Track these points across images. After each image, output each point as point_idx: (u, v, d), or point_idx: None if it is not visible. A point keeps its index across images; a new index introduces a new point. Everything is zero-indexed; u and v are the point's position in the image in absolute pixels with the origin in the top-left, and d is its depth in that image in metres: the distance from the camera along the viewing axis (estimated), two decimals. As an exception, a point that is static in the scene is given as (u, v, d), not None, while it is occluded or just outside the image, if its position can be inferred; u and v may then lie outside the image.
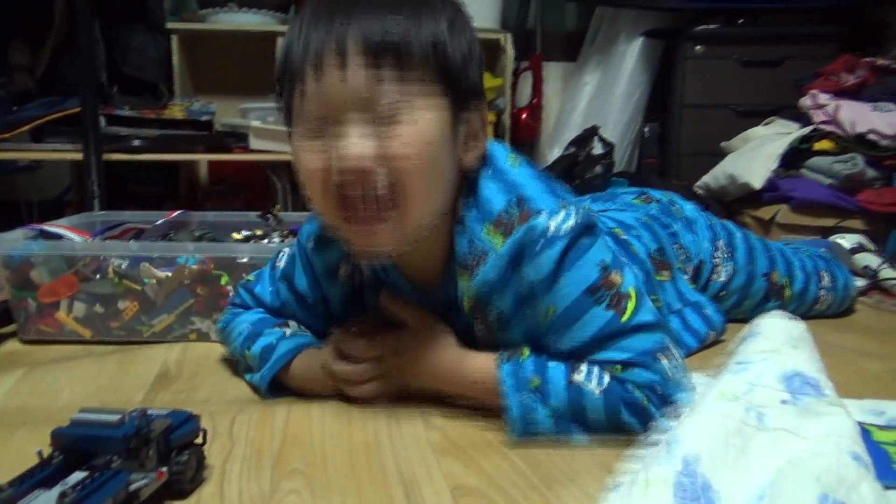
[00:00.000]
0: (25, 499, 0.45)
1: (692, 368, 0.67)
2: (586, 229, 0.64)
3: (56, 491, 0.45)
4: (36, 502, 0.45)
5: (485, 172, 0.67)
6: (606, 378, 0.62)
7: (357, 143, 0.58)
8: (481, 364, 0.67)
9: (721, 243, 1.01)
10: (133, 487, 0.48)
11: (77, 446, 0.49)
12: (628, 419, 0.62)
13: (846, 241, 1.46)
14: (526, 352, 0.66)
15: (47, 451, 0.50)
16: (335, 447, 0.63)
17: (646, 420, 0.61)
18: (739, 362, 0.58)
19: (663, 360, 0.63)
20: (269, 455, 0.61)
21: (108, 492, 0.46)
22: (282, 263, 0.81)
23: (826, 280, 1.09)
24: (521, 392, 0.63)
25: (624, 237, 0.88)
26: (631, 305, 0.63)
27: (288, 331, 0.78)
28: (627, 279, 0.65)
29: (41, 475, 0.48)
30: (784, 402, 0.53)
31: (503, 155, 0.68)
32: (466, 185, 0.66)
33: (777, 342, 0.59)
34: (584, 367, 0.63)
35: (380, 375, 0.70)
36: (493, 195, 0.65)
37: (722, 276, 1.00)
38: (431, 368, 0.69)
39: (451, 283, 0.69)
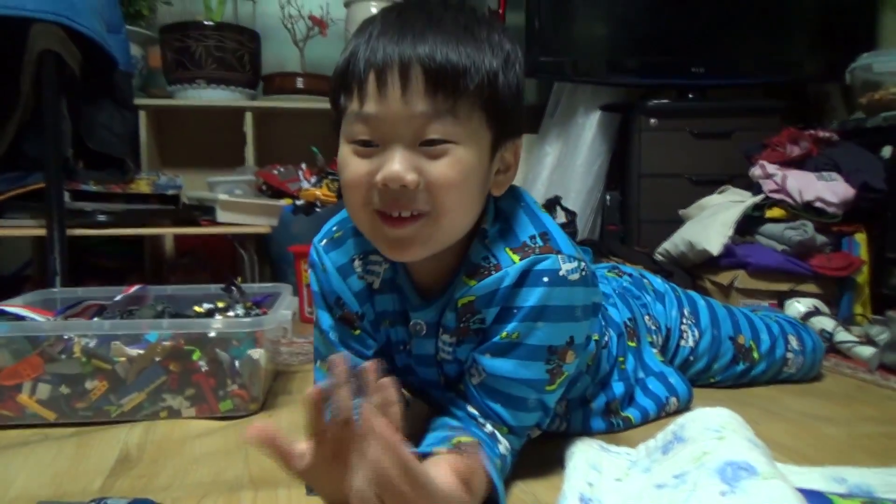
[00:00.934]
0: None
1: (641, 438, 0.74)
2: (588, 299, 0.69)
3: None
4: None
5: (518, 205, 0.72)
6: (509, 445, 0.70)
7: (402, 168, 0.61)
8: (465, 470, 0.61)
9: (686, 311, 1.06)
10: None
11: None
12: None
13: (802, 305, 1.52)
14: (470, 439, 0.65)
15: None
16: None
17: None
18: (677, 476, 0.64)
19: (530, 432, 0.73)
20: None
21: None
22: (315, 309, 0.80)
23: (794, 343, 1.12)
24: (500, 481, 0.64)
25: (601, 303, 0.92)
26: (557, 383, 0.70)
27: None
28: (572, 364, 0.71)
29: None
30: (723, 493, 0.56)
31: (532, 199, 0.74)
32: (495, 209, 0.71)
33: (704, 443, 0.65)
34: (497, 435, 0.69)
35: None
36: (523, 226, 0.70)
37: (689, 342, 1.05)
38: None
39: (451, 291, 0.71)
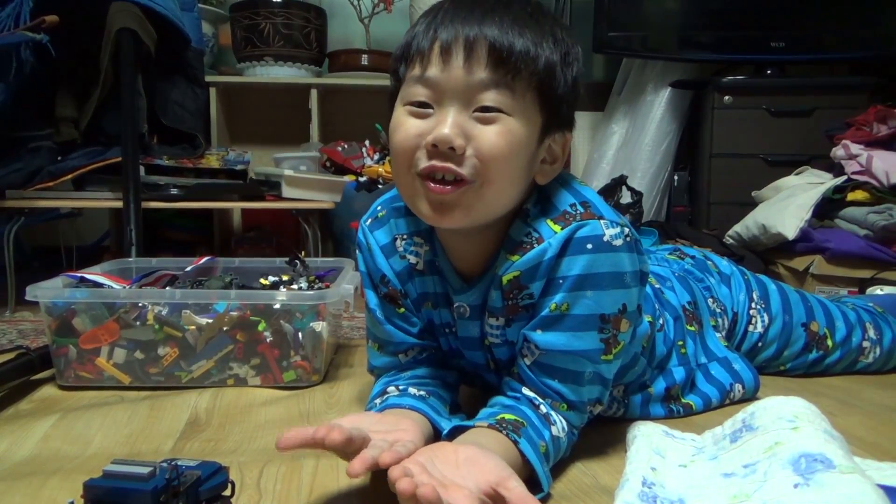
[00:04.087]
0: None
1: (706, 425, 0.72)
2: (635, 265, 0.68)
3: None
4: None
5: (556, 182, 0.72)
6: (566, 425, 0.69)
7: (453, 132, 0.62)
8: (498, 446, 0.62)
9: (755, 294, 1.01)
10: None
11: (108, 499, 0.50)
12: (566, 455, 0.70)
13: (885, 293, 1.43)
14: (517, 419, 0.65)
15: (78, 501, 0.51)
16: (362, 503, 0.62)
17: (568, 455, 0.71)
18: (746, 465, 0.61)
19: (592, 408, 0.72)
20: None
21: None
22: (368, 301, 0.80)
23: (871, 332, 1.06)
24: (541, 463, 0.63)
25: (657, 286, 0.90)
26: (614, 352, 0.69)
27: (393, 392, 0.75)
28: (627, 333, 0.70)
29: None
30: (796, 485, 0.53)
31: (571, 176, 0.74)
32: (537, 193, 0.71)
33: (776, 433, 0.62)
34: (553, 416, 0.68)
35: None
36: (561, 197, 0.70)
37: (758, 327, 1.00)
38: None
39: (493, 271, 0.71)
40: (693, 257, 1.04)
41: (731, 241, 1.84)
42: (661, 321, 0.86)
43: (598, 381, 0.70)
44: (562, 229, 0.66)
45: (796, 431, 0.62)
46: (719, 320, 0.96)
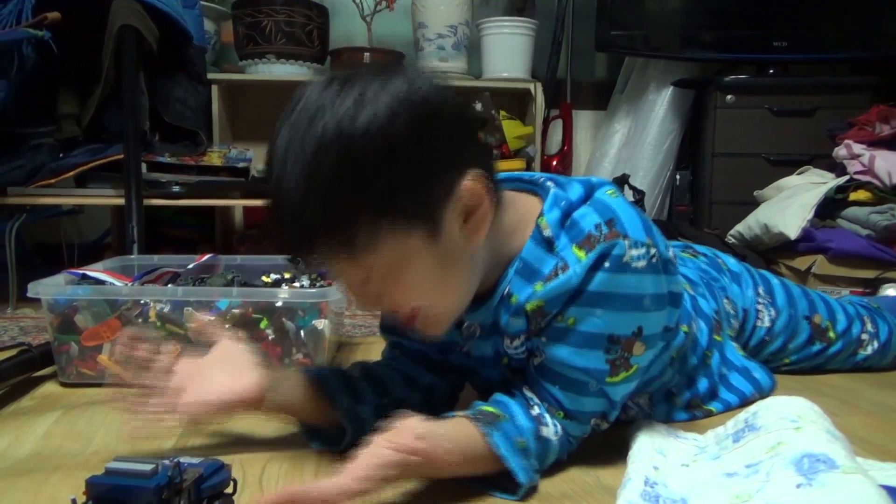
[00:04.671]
0: None
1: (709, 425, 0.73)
2: (660, 288, 0.66)
3: None
4: None
5: (582, 194, 0.68)
6: (559, 428, 0.67)
7: (358, 302, 0.65)
8: (455, 437, 0.62)
9: (761, 290, 1.01)
10: None
11: (110, 496, 0.50)
12: (563, 457, 0.69)
13: (893, 290, 1.43)
14: (496, 411, 0.65)
15: (80, 498, 0.51)
16: (365, 500, 0.62)
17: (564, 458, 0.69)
18: (749, 465, 0.61)
19: (593, 422, 0.69)
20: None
21: None
22: None
23: (869, 325, 1.07)
24: (518, 457, 0.63)
25: (692, 292, 0.88)
26: (623, 376, 0.66)
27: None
28: (643, 357, 0.67)
29: None
30: (798, 485, 0.53)
31: (603, 189, 0.69)
32: (559, 213, 0.66)
33: (779, 433, 0.62)
34: (546, 418, 0.66)
35: None
36: (588, 217, 0.65)
37: (766, 322, 1.00)
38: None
39: (500, 290, 0.68)
40: (705, 255, 1.03)
41: (732, 240, 1.83)
42: (695, 330, 0.83)
43: (603, 395, 0.67)
44: (586, 255, 0.63)
45: (799, 431, 0.62)
46: (733, 322, 0.96)
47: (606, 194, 0.68)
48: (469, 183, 0.61)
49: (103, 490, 0.50)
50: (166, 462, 0.52)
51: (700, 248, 1.06)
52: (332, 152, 0.56)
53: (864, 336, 1.06)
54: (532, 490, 0.64)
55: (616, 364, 0.66)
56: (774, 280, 1.04)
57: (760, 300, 1.00)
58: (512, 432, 0.64)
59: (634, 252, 0.63)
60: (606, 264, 0.63)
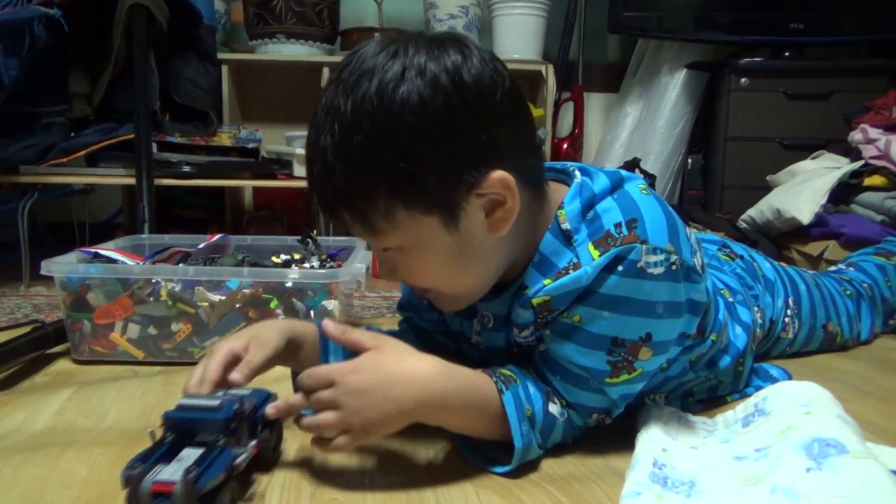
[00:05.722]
0: (150, 474, 0.52)
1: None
2: (677, 296, 0.65)
3: (175, 466, 0.52)
4: (162, 476, 0.51)
5: (611, 187, 0.66)
6: (564, 411, 0.67)
7: (381, 266, 0.67)
8: (473, 385, 0.63)
9: (791, 300, 1.00)
10: (237, 462, 0.55)
11: (186, 427, 0.56)
12: (567, 441, 0.69)
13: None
14: (512, 375, 0.66)
15: (158, 431, 0.56)
16: (375, 479, 0.63)
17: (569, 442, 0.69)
18: (758, 449, 0.61)
19: (595, 416, 0.68)
20: (309, 484, 0.61)
21: (220, 466, 0.53)
22: None
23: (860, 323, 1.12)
24: (522, 422, 0.63)
25: (731, 300, 0.87)
26: (624, 378, 0.66)
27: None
28: (650, 362, 0.66)
29: (159, 452, 0.54)
30: (808, 469, 0.53)
31: (634, 183, 0.67)
32: (581, 203, 0.65)
33: (789, 417, 0.62)
34: (554, 397, 0.67)
35: (337, 413, 0.58)
36: (611, 212, 0.64)
37: (790, 334, 1.01)
38: (403, 392, 0.59)
39: (520, 284, 0.67)
40: (741, 257, 0.99)
41: (744, 225, 1.82)
42: (726, 338, 0.80)
43: (603, 394, 0.67)
44: (600, 255, 0.62)
45: (809, 416, 0.62)
46: (759, 331, 0.94)
47: (637, 188, 0.66)
48: (498, 178, 0.59)
49: (180, 422, 0.57)
50: (226, 397, 0.59)
51: (738, 249, 1.02)
52: (367, 121, 0.56)
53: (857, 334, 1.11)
54: (538, 470, 0.64)
55: (617, 366, 0.65)
56: (802, 287, 1.02)
57: (789, 311, 0.99)
58: (523, 397, 0.64)
59: (652, 258, 0.62)
60: (620, 268, 0.61)
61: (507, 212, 0.61)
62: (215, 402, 0.57)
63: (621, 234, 0.62)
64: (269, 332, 0.68)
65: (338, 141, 0.57)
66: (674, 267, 0.63)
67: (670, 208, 0.67)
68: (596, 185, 0.66)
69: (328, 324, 0.62)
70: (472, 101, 0.57)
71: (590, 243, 0.63)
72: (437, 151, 0.57)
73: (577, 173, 0.69)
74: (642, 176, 2.07)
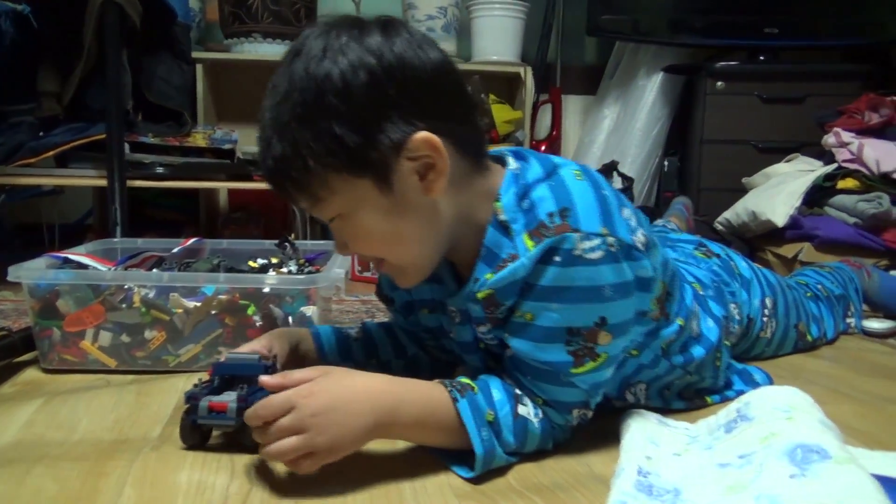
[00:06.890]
0: (206, 398, 0.67)
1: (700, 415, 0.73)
2: (621, 276, 0.64)
3: (225, 396, 0.67)
4: (221, 397, 0.67)
5: (546, 176, 0.67)
6: (540, 412, 0.67)
7: (335, 244, 0.71)
8: (427, 395, 0.64)
9: (768, 300, 1.01)
10: None
11: (231, 374, 0.70)
12: (547, 446, 0.69)
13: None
14: (469, 383, 0.66)
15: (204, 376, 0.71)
16: (356, 493, 0.61)
17: (553, 446, 0.70)
18: (742, 455, 0.61)
19: (575, 412, 0.69)
20: (289, 499, 0.60)
21: (260, 397, 0.62)
22: None
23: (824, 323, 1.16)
24: (481, 428, 0.63)
25: (702, 293, 0.87)
26: (590, 366, 0.66)
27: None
28: (613, 346, 0.66)
29: (209, 388, 0.69)
30: (792, 476, 0.54)
31: (569, 168, 0.68)
32: (515, 187, 0.67)
33: (771, 423, 0.62)
34: (525, 399, 0.67)
35: (300, 437, 0.59)
36: (544, 202, 0.65)
37: (768, 334, 1.02)
38: (362, 406, 0.61)
39: (472, 280, 0.69)
40: (718, 255, 1.00)
41: (720, 227, 1.84)
42: (697, 326, 0.81)
43: (575, 387, 0.67)
44: (535, 246, 0.63)
45: (791, 422, 0.62)
46: (736, 328, 0.95)
47: (572, 174, 0.67)
48: (422, 138, 0.61)
49: (228, 370, 0.70)
50: (257, 356, 0.71)
51: (714, 248, 1.03)
52: (295, 94, 0.61)
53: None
54: (522, 479, 0.64)
55: (579, 354, 0.65)
56: (778, 288, 1.04)
57: (766, 311, 1.00)
58: (481, 404, 0.64)
59: (587, 244, 0.62)
60: (557, 258, 0.62)
61: (437, 173, 0.63)
62: (255, 358, 0.70)
63: (554, 224, 0.63)
64: (279, 336, 0.80)
65: (274, 114, 0.62)
66: (612, 248, 0.63)
67: (606, 191, 0.67)
68: (529, 173, 0.68)
69: (265, 380, 0.62)
70: (394, 71, 0.61)
71: (525, 234, 0.65)
72: (359, 113, 0.60)
73: (511, 160, 0.70)
74: (621, 179, 2.10)
